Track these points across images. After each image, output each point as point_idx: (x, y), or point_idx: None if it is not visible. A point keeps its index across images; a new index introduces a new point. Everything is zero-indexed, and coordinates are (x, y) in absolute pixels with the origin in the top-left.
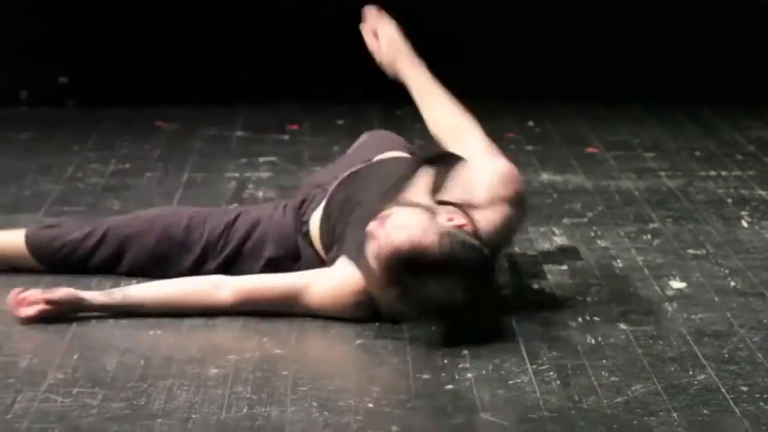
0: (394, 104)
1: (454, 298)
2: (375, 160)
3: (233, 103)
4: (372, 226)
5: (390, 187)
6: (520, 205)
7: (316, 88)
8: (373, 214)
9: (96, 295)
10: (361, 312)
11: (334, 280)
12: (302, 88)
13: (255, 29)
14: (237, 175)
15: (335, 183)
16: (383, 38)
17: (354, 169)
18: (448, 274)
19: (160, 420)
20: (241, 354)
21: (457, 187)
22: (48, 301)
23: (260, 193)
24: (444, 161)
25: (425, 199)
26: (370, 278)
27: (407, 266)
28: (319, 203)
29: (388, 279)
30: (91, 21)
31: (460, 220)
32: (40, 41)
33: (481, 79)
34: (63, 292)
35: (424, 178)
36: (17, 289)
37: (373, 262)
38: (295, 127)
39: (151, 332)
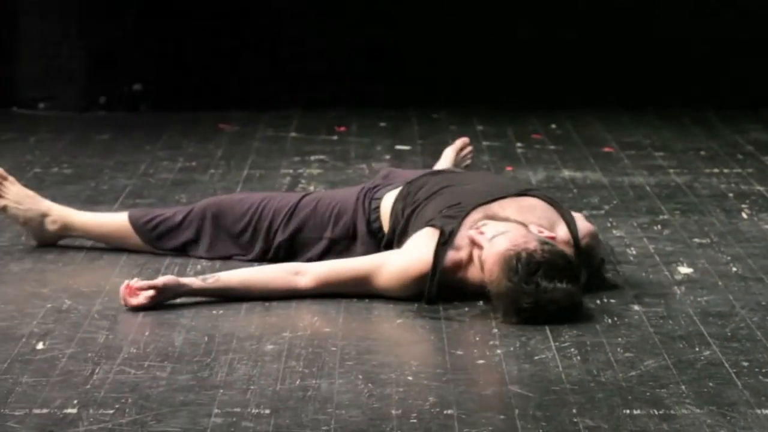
0: (432, 109)
1: (560, 299)
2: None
3: (288, 108)
4: (471, 233)
5: (487, 192)
6: (587, 252)
7: (361, 94)
8: (461, 206)
9: (193, 280)
10: (414, 292)
11: (401, 265)
12: (350, 94)
13: (306, 43)
14: (291, 171)
15: (416, 175)
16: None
17: (439, 169)
18: (557, 277)
19: (221, 390)
20: (294, 332)
21: (542, 219)
22: (153, 287)
23: (311, 187)
24: (543, 197)
25: (515, 216)
26: (493, 273)
27: (517, 270)
28: (393, 188)
29: (500, 279)
30: (163, 36)
31: (549, 232)
32: (117, 53)
33: (510, 88)
34: (165, 278)
35: (519, 201)
36: (126, 281)
37: (487, 267)
38: (342, 128)
39: (214, 312)
